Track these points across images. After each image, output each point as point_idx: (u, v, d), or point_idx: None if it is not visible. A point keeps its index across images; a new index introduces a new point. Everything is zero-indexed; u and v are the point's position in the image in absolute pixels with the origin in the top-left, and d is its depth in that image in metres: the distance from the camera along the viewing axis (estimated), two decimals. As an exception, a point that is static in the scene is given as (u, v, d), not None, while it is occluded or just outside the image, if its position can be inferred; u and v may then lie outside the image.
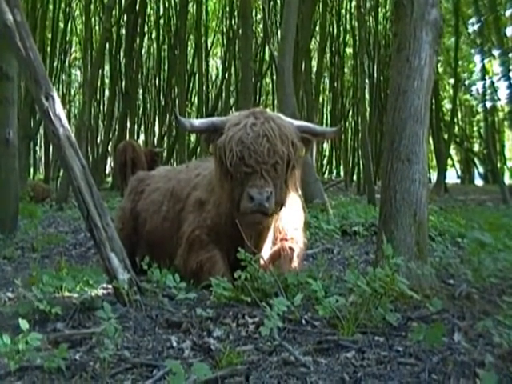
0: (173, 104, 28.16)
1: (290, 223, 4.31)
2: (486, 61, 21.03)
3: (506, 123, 30.92)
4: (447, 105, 34.04)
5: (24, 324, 2.46)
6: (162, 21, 30.24)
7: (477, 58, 28.08)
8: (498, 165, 25.45)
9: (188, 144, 25.85)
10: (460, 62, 28.28)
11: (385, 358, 2.50)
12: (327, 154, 37.05)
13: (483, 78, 20.32)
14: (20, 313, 3.01)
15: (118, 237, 3.50)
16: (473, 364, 2.36)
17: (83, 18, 24.97)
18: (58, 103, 3.55)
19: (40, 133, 28.31)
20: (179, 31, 22.99)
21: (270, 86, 32.62)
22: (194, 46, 29.20)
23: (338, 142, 32.16)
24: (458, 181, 39.24)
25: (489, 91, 20.30)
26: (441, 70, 31.05)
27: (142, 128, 33.93)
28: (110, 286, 3.52)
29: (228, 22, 28.51)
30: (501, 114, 29.85)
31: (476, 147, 38.85)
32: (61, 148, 3.46)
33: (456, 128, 33.07)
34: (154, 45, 32.23)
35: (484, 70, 20.44)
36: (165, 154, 24.46)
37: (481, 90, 22.87)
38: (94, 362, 2.43)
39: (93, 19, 26.83)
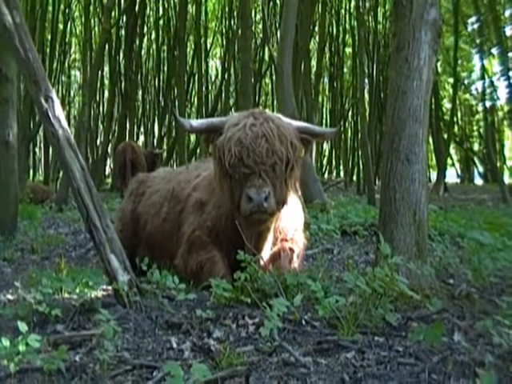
0: (172, 105, 28.10)
1: (289, 224, 4.32)
2: (485, 60, 21.04)
3: (505, 122, 30.90)
4: (447, 104, 34.04)
5: (23, 326, 2.45)
6: (161, 22, 30.19)
7: (476, 58, 28.06)
8: (498, 164, 25.44)
9: (188, 145, 25.80)
10: (459, 62, 28.27)
11: (385, 358, 2.51)
12: (327, 154, 36.99)
13: (483, 78, 20.35)
14: (20, 315, 3.01)
15: (117, 238, 3.49)
16: (473, 364, 2.36)
17: (82, 19, 24.97)
18: (58, 105, 3.55)
19: (39, 134, 28.28)
20: (178, 32, 22.91)
21: (270, 86, 32.53)
22: (193, 46, 29.15)
23: (338, 142, 32.13)
24: (458, 180, 39.25)
25: (488, 90, 20.29)
26: (440, 69, 31.03)
27: (142, 129, 33.86)
28: (109, 288, 3.52)
29: (227, 22, 28.44)
30: (500, 114, 29.83)
31: (476, 146, 38.82)
32: (60, 149, 3.46)
33: (456, 127, 33.06)
34: (154, 46, 32.16)
35: (483, 70, 20.46)
36: (164, 155, 24.45)
37: (480, 90, 22.92)
38: (94, 364, 2.44)
39: (92, 20, 26.75)
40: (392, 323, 2.90)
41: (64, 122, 3.54)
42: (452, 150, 37.38)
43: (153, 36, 32.36)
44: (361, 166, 23.19)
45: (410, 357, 2.53)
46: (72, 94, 38.28)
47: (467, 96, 36.66)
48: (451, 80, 28.54)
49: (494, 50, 19.58)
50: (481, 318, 2.95)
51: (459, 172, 41.77)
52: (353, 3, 25.47)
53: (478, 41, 20.86)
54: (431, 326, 2.57)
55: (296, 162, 3.83)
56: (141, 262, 4.17)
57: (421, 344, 2.60)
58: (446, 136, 24.37)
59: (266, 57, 26.43)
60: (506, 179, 26.18)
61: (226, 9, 28.70)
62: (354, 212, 8.85)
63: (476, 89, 33.23)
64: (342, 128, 28.69)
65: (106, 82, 30.97)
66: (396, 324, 2.91)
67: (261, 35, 27.38)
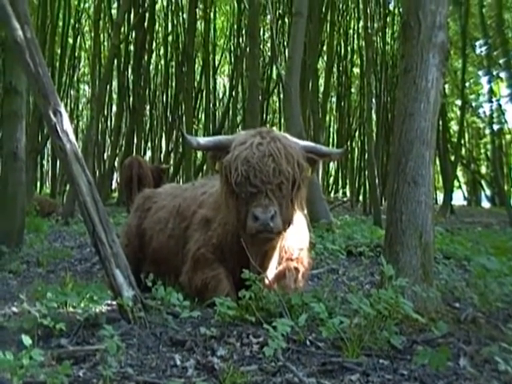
0: (180, 121, 28.22)
1: (295, 243, 4.31)
2: (493, 83, 21.06)
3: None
4: (454, 126, 34.06)
5: (27, 340, 2.45)
6: (170, 38, 30.36)
7: (484, 80, 28.14)
8: (505, 187, 25.35)
9: (194, 161, 25.86)
10: (467, 84, 28.33)
11: (389, 381, 2.49)
12: (333, 173, 36.97)
13: (490, 101, 20.31)
14: (24, 328, 3.01)
15: (123, 253, 3.49)
16: (478, 390, 2.35)
17: (92, 34, 25.07)
18: (66, 119, 3.57)
19: (47, 147, 28.43)
20: (187, 48, 23.05)
21: (277, 104, 32.61)
22: (201, 63, 29.33)
23: (345, 161, 32.10)
24: (465, 203, 39.08)
25: (496, 113, 20.26)
26: (448, 91, 31.07)
27: (149, 144, 33.95)
28: (114, 303, 3.51)
29: (236, 40, 28.61)
30: (508, 137, 29.81)
31: (483, 169, 38.75)
32: (67, 163, 3.48)
33: (463, 150, 32.97)
34: (162, 61, 32.38)
35: (491, 92, 20.45)
36: (171, 170, 24.48)
37: (488, 113, 22.85)
38: (98, 379, 2.43)
39: (101, 35, 26.90)
40: (397, 346, 2.88)
41: (72, 136, 3.56)
42: (459, 173, 37.29)
43: (161, 52, 32.58)
44: (367, 186, 23.16)
45: (414, 380, 2.51)
46: (80, 107, 38.53)
47: (475, 119, 36.65)
48: (459, 102, 28.57)
49: (502, 73, 19.61)
50: (487, 344, 2.92)
51: (466, 195, 41.60)
52: (361, 23, 25.54)
53: (485, 63, 20.90)
54: (436, 349, 2.55)
55: (302, 181, 3.83)
56: (146, 277, 4.17)
57: (426, 368, 2.58)
58: (453, 158, 24.32)
59: (274, 75, 26.53)
60: (513, 203, 26.09)
61: (235, 27, 28.88)
62: (360, 232, 8.83)
63: (484, 111, 33.25)
64: (349, 148, 28.68)
65: (115, 96, 31.08)
66: (401, 347, 2.89)
67: (269, 53, 27.47)
